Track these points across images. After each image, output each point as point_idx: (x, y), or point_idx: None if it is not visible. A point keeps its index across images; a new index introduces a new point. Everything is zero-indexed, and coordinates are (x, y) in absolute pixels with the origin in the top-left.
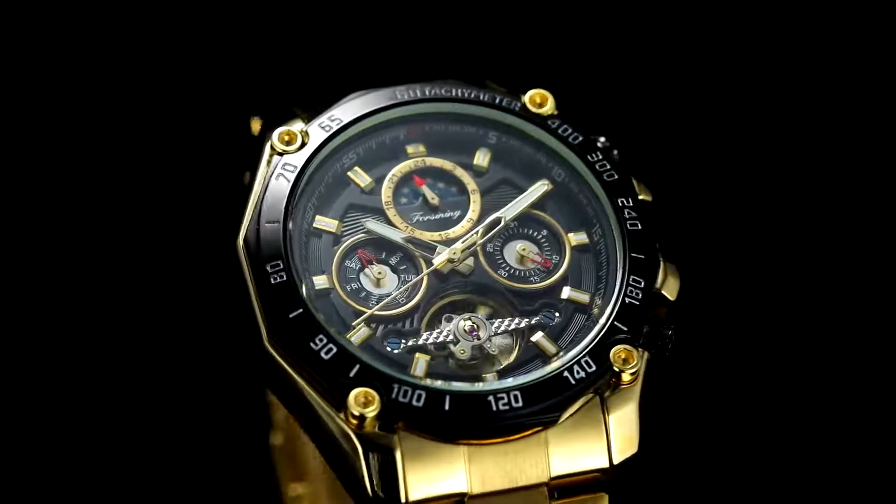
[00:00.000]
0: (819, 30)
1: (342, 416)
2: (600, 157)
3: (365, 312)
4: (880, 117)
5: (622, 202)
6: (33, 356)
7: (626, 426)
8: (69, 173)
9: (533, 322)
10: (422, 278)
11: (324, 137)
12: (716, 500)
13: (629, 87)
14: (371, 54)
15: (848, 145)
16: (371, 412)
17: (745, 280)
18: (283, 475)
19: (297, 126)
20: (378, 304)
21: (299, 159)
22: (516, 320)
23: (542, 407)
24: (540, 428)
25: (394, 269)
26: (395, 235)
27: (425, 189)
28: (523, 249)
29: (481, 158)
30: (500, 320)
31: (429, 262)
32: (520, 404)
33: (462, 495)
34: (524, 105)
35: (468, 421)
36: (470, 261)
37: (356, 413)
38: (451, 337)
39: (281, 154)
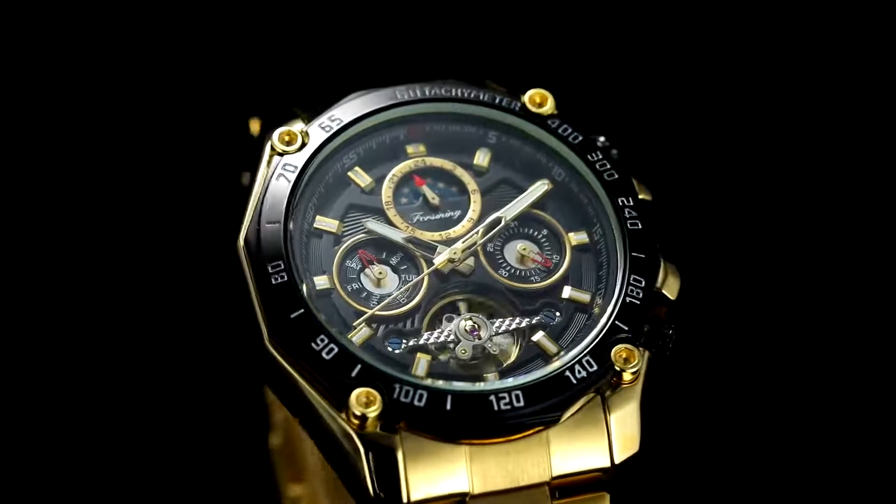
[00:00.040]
0: (819, 30)
1: (343, 416)
2: (600, 156)
3: (366, 312)
4: (880, 117)
5: (622, 201)
6: (33, 357)
7: (627, 425)
8: (69, 174)
9: (534, 322)
10: (422, 278)
11: (324, 138)
12: (717, 499)
13: (629, 86)
14: (371, 54)
15: (848, 145)
16: (373, 412)
17: (744, 279)
18: (282, 476)
19: (297, 126)
20: (379, 304)
21: (300, 159)
22: (517, 320)
23: (544, 406)
24: (541, 427)
25: (394, 269)
26: (396, 235)
27: (426, 189)
28: (524, 249)
29: (481, 158)
30: (500, 320)
31: (429, 262)
32: (521, 404)
33: (464, 495)
34: (524, 105)
35: (470, 421)
36: (470, 260)
37: (358, 413)
38: (451, 337)
39: (281, 154)
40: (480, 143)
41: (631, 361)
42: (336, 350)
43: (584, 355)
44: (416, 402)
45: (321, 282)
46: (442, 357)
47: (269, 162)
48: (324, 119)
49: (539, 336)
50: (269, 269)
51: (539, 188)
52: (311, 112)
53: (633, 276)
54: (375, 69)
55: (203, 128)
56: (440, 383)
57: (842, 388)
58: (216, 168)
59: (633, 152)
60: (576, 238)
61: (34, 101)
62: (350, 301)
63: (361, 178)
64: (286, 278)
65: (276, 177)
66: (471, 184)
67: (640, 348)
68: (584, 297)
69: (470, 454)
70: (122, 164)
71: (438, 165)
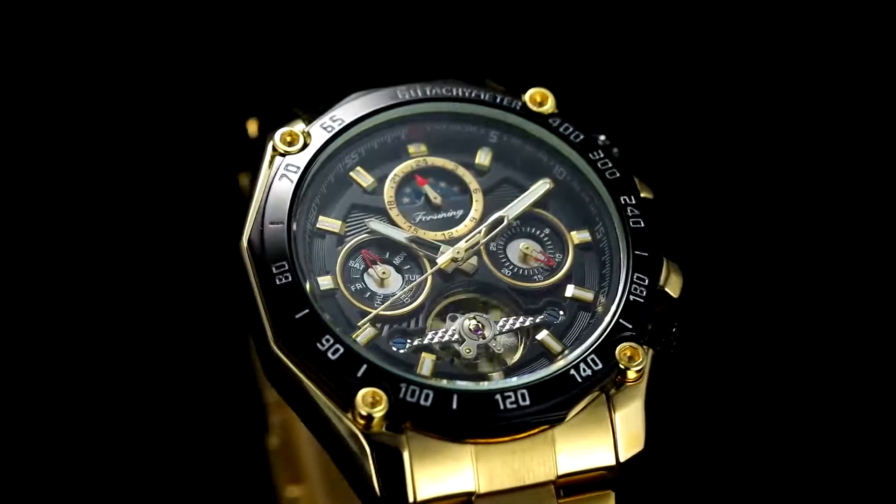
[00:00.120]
0: (819, 30)
1: (349, 416)
2: (602, 155)
3: (370, 312)
4: (880, 116)
5: (624, 200)
6: (34, 358)
7: (632, 424)
8: (68, 175)
9: (537, 320)
10: (426, 278)
11: (326, 138)
12: (722, 496)
13: (629, 85)
14: (371, 54)
15: (848, 143)
16: (379, 412)
17: (746, 276)
18: (280, 477)
19: (298, 127)
20: (383, 304)
21: (302, 160)
22: (521, 319)
23: (549, 405)
24: (547, 426)
25: (398, 269)
26: (399, 235)
27: (427, 189)
28: (526, 248)
29: (483, 158)
30: (504, 319)
31: (432, 262)
32: (527, 403)
33: (470, 494)
34: (525, 104)
35: (476, 420)
36: (473, 260)
37: (364, 413)
38: (456, 336)
39: (283, 155)
40: (482, 143)
41: (635, 360)
42: (341, 350)
43: (589, 354)
44: (422, 402)
45: (325, 282)
46: (446, 356)
47: (270, 162)
48: (325, 119)
49: (543, 335)
50: (274, 269)
51: (541, 187)
52: (311, 113)
53: (636, 275)
54: (376, 69)
55: (203, 129)
56: (446, 383)
57: (845, 386)
58: (217, 169)
59: (634, 151)
60: (578, 237)
61: (33, 101)
62: (354, 301)
63: (363, 178)
64: (290, 279)
65: (278, 177)
66: (472, 183)
67: (645, 346)
68: (588, 295)
69: (476, 453)
70: (121, 165)
71: (440, 165)
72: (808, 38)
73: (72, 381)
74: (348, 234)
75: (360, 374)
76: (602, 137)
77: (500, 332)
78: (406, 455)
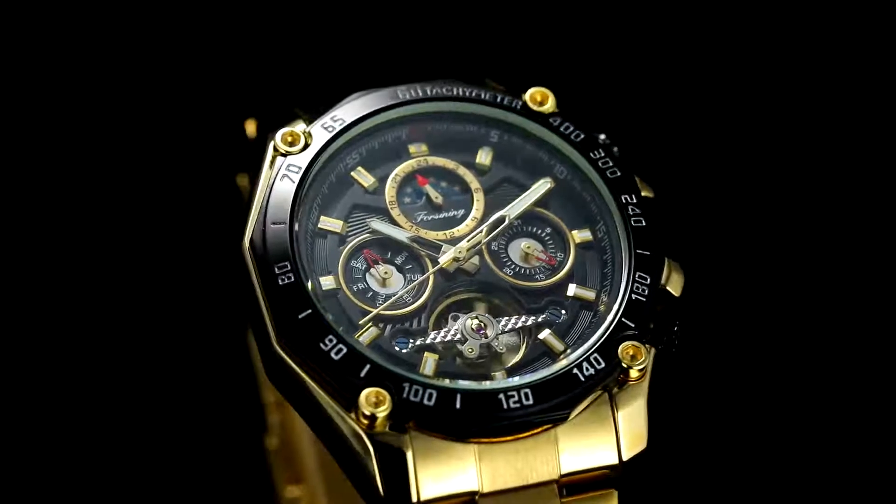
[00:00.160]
0: (819, 30)
1: (353, 416)
2: (602, 154)
3: (372, 312)
4: (880, 113)
5: (625, 199)
6: (32, 359)
7: (634, 422)
8: (67, 175)
9: (539, 320)
10: (428, 277)
11: (327, 138)
12: (724, 495)
13: (629, 84)
14: (371, 54)
15: (848, 141)
16: (382, 412)
17: (747, 274)
18: (279, 478)
19: (299, 127)
20: (385, 303)
21: (303, 160)
22: (523, 318)
23: (553, 404)
24: (550, 426)
25: (399, 269)
26: (401, 235)
27: (428, 188)
28: (528, 247)
29: (483, 157)
30: (506, 318)
31: (434, 261)
32: (530, 402)
33: (473, 493)
34: (525, 103)
35: (480, 419)
36: (475, 259)
37: (367, 413)
38: (458, 336)
39: (284, 155)
40: (482, 142)
41: (638, 358)
42: (345, 350)
43: (592, 353)
44: (425, 402)
45: (327, 282)
46: (449, 356)
47: (271, 163)
48: (326, 119)
49: (545, 334)
50: (276, 269)
51: (541, 186)
52: (312, 113)
53: (638, 273)
54: (376, 69)
55: (203, 129)
56: (449, 382)
57: (847, 384)
58: (217, 170)
59: (634, 150)
60: (579, 236)
61: (32, 102)
62: (356, 301)
63: (364, 178)
64: (293, 279)
65: (279, 177)
66: (473, 183)
67: (647, 345)
68: (590, 294)
69: (479, 453)
70: (121, 166)
71: (441, 165)
72: (808, 38)
73: (70, 382)
74: (350, 234)
75: (363, 374)
76: (602, 136)
77: (503, 332)
78: (409, 455)
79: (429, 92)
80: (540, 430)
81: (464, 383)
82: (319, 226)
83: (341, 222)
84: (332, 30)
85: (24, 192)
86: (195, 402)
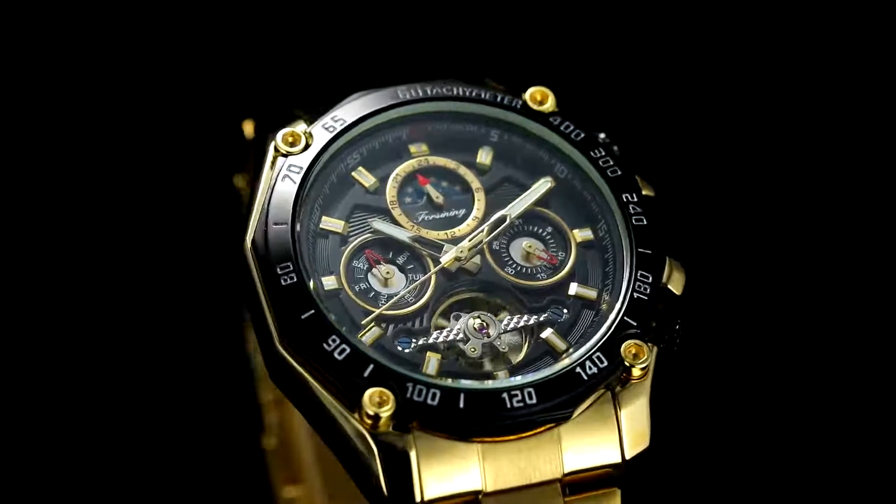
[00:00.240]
0: (819, 30)
1: (356, 416)
2: (603, 153)
3: (375, 312)
4: (880, 113)
5: (626, 197)
6: (31, 359)
7: (637, 421)
8: (66, 175)
9: (541, 319)
10: (430, 277)
11: (328, 138)
12: (727, 493)
13: (628, 83)
14: (371, 54)
15: (848, 140)
16: (386, 412)
17: (747, 273)
18: (277, 478)
19: (299, 127)
20: (387, 303)
21: (304, 160)
22: (525, 317)
23: (556, 403)
24: (553, 424)
25: (401, 269)
26: (402, 235)
27: (429, 188)
28: (529, 246)
29: (484, 157)
30: (508, 317)
31: (436, 261)
32: (534, 401)
33: (477, 493)
34: (525, 103)
35: (483, 419)
36: (477, 259)
37: (371, 413)
38: (460, 335)
39: (285, 155)
40: (482, 142)
41: (640, 357)
42: (348, 350)
43: (595, 352)
44: (429, 401)
45: (329, 282)
46: (451, 355)
47: (272, 163)
48: (327, 119)
49: (547, 333)
50: (278, 270)
51: (542, 186)
52: (312, 113)
53: (640, 272)
54: (376, 69)
55: (203, 130)
56: (452, 382)
57: (848, 382)
58: (217, 170)
59: (634, 148)
60: (580, 235)
61: (31, 103)
62: (358, 301)
63: (365, 178)
64: (296, 279)
65: (281, 178)
66: (474, 182)
67: (649, 344)
68: (591, 293)
69: (482, 452)
70: (121, 167)
71: (441, 164)
72: (809, 38)
73: (69, 382)
74: (351, 234)
75: (366, 374)
76: (602, 135)
77: (505, 331)
78: (413, 454)
79: (429, 92)
80: (543, 429)
81: (467, 383)
82: (321, 226)
83: (343, 222)
84: (332, 30)
85: (23, 192)
86: (192, 402)
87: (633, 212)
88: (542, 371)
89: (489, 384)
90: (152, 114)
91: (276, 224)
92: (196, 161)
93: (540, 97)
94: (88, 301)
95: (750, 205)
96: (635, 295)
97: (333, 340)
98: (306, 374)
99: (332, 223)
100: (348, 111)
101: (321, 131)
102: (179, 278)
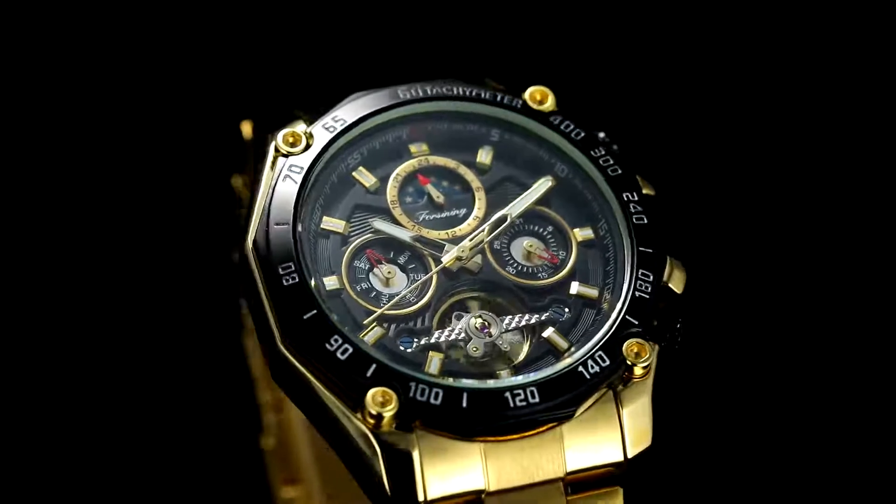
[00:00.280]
0: (819, 29)
1: (359, 416)
2: (603, 151)
3: (377, 312)
4: (880, 113)
5: (627, 196)
6: (29, 360)
7: (639, 419)
8: (65, 176)
9: (543, 318)
10: (431, 276)
11: (328, 138)
12: (729, 491)
13: (628, 82)
14: (371, 54)
15: (848, 138)
16: (389, 411)
17: (748, 272)
18: (276, 478)
19: (300, 127)
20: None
21: (305, 160)
22: (526, 316)
23: (558, 402)
24: (555, 423)
25: (402, 269)
26: (403, 234)
27: (430, 188)
28: (530, 246)
29: (484, 156)
30: (510, 317)
31: (437, 261)
32: (536, 400)
33: (480, 492)
34: (525, 102)
35: (486, 418)
36: (478, 258)
37: (374, 413)
38: (462, 335)
39: (286, 156)
40: (483, 142)
41: (642, 356)
42: (350, 350)
43: (597, 350)
44: (432, 401)
45: (331, 282)
46: (454, 355)
47: (273, 164)
48: (327, 119)
49: (549, 332)
50: (280, 270)
51: (543, 185)
52: (312, 113)
53: (641, 271)
54: (376, 69)
55: (202, 130)
56: (454, 381)
57: (849, 380)
58: (217, 171)
59: (634, 147)
60: (581, 234)
61: (30, 103)
62: (360, 301)
63: (366, 178)
64: (298, 279)
65: (282, 178)
66: (474, 182)
67: (651, 342)
68: (592, 292)
69: (485, 451)
70: (120, 166)
71: (442, 164)
72: (809, 38)
73: (68, 383)
74: (352, 234)
75: (369, 373)
76: (601, 134)
77: (507, 330)
78: (416, 454)
79: (429, 91)
80: (545, 428)
81: (469, 382)
82: (322, 226)
83: (344, 222)
84: (332, 30)
85: (21, 192)
86: (191, 403)
87: (633, 211)
88: (545, 370)
89: (492, 383)
90: (151, 114)
91: (277, 224)
92: (195, 161)
93: (540, 96)
94: (87, 302)
95: (750, 203)
96: (636, 294)
97: (336, 340)
98: (309, 375)
99: (333, 223)
100: (348, 111)
101: (321, 131)
102: (178, 279)
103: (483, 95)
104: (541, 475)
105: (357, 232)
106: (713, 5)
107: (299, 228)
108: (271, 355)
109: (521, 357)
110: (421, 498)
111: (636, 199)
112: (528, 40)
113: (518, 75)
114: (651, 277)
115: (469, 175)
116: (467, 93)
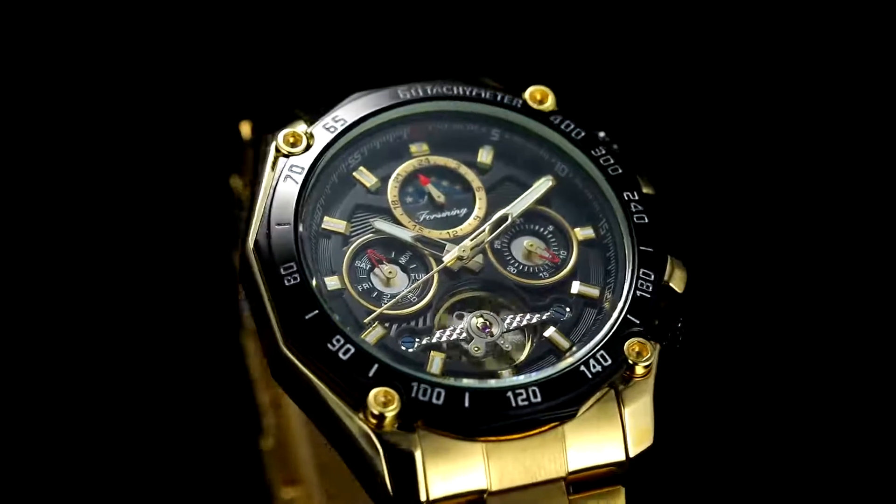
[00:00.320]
0: (819, 29)
1: (361, 416)
2: (603, 151)
3: (376, 311)
4: (880, 113)
5: (628, 196)
6: (28, 360)
7: (641, 419)
8: (64, 176)
9: (544, 317)
10: (432, 276)
11: (329, 138)
12: (731, 490)
13: (628, 81)
14: (371, 54)
15: (848, 138)
16: (391, 411)
17: (748, 271)
18: (275, 479)
19: (300, 128)
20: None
21: (306, 160)
22: (528, 316)
23: (560, 402)
24: (557, 423)
25: (404, 268)
26: (404, 234)
27: (430, 187)
28: (531, 245)
29: (484, 156)
30: (511, 316)
31: (438, 260)
32: (538, 400)
33: (482, 492)
34: (525, 102)
35: (488, 418)
36: (479, 258)
37: (376, 412)
38: (464, 334)
39: (287, 156)
40: (483, 141)
41: (644, 355)
42: (352, 350)
43: (598, 350)
44: (434, 401)
45: (332, 282)
46: (455, 355)
47: (274, 164)
48: (328, 120)
49: (551, 332)
50: (282, 270)
51: (543, 184)
52: (312, 113)
53: (642, 270)
54: (376, 69)
55: (202, 131)
56: (457, 381)
57: (850, 379)
58: (216, 171)
59: (635, 147)
60: (582, 233)
61: (29, 103)
62: (362, 301)
63: (366, 178)
64: (299, 280)
65: (283, 178)
66: (475, 181)
67: (652, 342)
68: (594, 291)
69: (487, 451)
70: (120, 168)
71: (442, 164)
72: (809, 38)
73: (65, 384)
74: (353, 234)
75: (371, 373)
76: (601, 134)
77: (508, 330)
78: (418, 454)
79: (429, 91)
80: (547, 427)
81: (471, 382)
82: (323, 226)
83: (344, 222)
84: (332, 30)
85: (20, 193)
86: (190, 404)
87: (634, 210)
88: (546, 370)
89: (493, 383)
90: (151, 114)
91: (278, 225)
92: (195, 162)
93: (540, 96)
94: (86, 302)
95: (751, 202)
96: (637, 293)
97: (338, 340)
98: (311, 375)
99: (334, 223)
100: (349, 111)
101: (322, 131)
102: (177, 280)
103: (483, 95)
104: (543, 475)
105: (358, 232)
106: (713, 5)
107: (300, 229)
108: (273, 355)
109: (523, 357)
110: (423, 498)
111: (637, 198)
112: (527, 40)
113: (518, 75)
114: (652, 276)
115: (470, 175)
116: (468, 92)
